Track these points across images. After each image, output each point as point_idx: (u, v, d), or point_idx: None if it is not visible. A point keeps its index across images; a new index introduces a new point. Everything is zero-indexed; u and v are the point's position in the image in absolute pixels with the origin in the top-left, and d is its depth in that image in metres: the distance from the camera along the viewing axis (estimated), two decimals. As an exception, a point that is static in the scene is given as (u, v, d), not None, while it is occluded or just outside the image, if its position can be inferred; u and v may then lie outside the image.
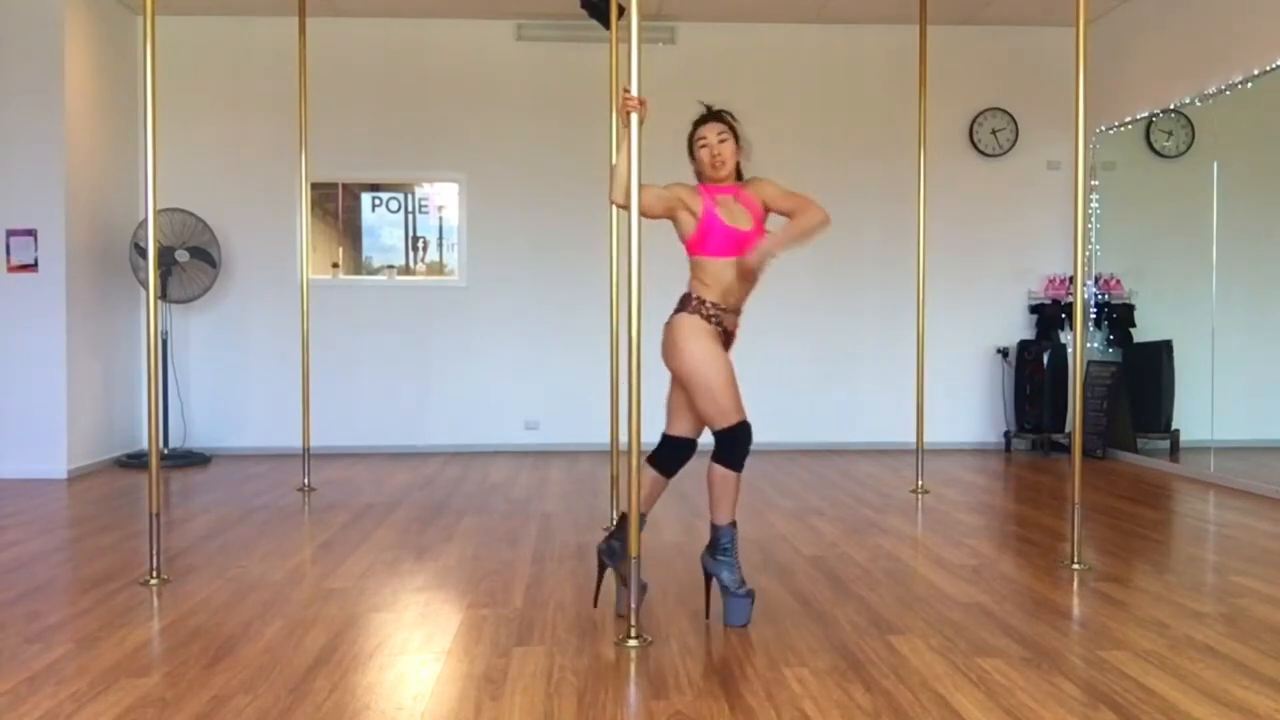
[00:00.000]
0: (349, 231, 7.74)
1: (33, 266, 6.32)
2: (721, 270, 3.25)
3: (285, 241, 7.27)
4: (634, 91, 3.12)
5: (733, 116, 3.38)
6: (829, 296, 7.63)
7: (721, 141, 3.30)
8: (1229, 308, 6.26)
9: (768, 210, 3.33)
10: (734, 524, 3.26)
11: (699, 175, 3.38)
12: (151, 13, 3.81)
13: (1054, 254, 7.67)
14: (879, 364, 7.57)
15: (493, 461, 7.02)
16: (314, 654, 2.97)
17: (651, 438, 3.35)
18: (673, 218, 3.31)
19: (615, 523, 3.34)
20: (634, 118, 3.12)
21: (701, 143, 3.32)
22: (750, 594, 3.24)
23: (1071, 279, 7.27)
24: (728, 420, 3.20)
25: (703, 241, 3.26)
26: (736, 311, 3.34)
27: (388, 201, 7.75)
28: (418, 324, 7.47)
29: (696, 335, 3.23)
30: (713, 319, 3.26)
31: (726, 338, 3.34)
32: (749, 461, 3.27)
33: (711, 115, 3.35)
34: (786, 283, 7.59)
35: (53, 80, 6.29)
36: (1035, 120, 7.62)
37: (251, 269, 7.38)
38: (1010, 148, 7.66)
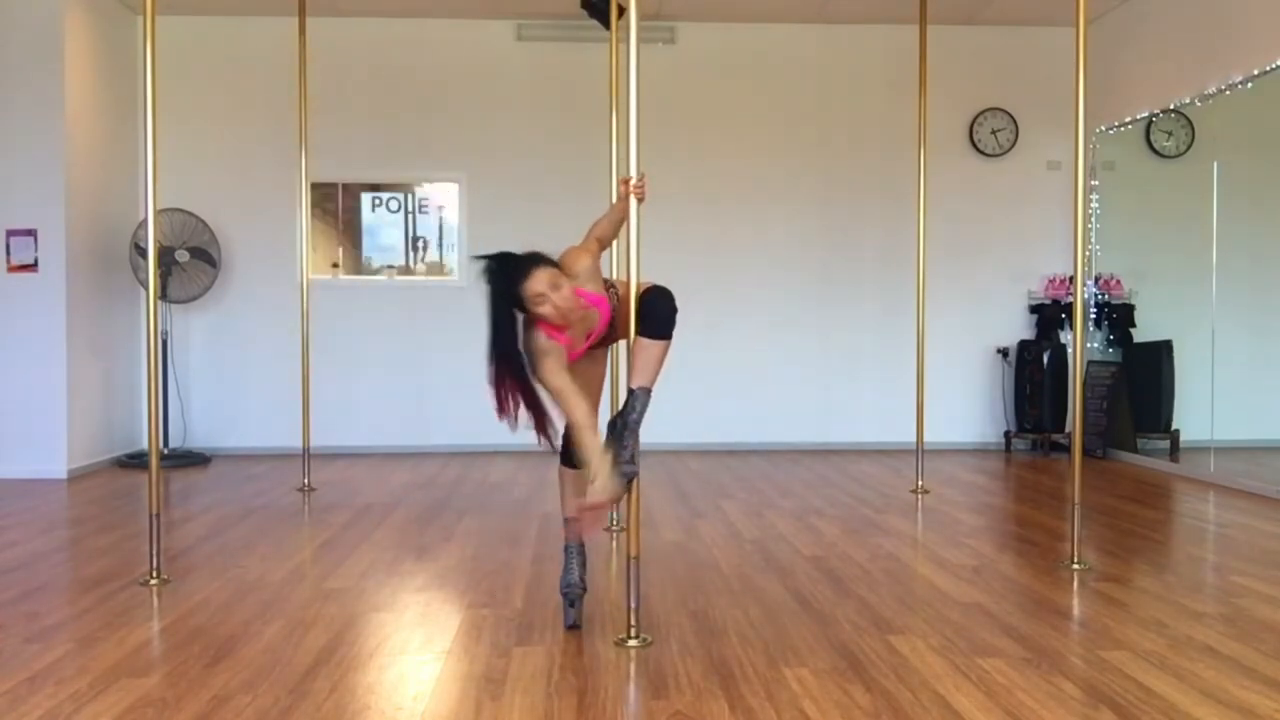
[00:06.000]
0: (349, 231, 7.74)
1: (33, 266, 6.32)
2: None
3: (285, 241, 7.27)
4: (633, 87, 3.11)
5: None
6: (829, 296, 7.63)
7: (555, 289, 2.93)
8: (1229, 308, 6.26)
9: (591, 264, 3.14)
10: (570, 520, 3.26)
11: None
12: (151, 13, 3.81)
13: (1054, 254, 7.67)
14: (879, 364, 7.57)
15: (493, 461, 7.02)
16: (314, 654, 2.96)
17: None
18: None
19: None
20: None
21: (538, 301, 2.94)
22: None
23: (1071, 279, 7.27)
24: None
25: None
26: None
27: (388, 201, 7.75)
28: (418, 324, 7.47)
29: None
30: None
31: (603, 343, 3.32)
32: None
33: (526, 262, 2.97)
34: (786, 283, 7.61)
35: (53, 80, 6.29)
36: (1035, 120, 7.62)
37: (251, 269, 7.38)
38: (1010, 148, 7.66)
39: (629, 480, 3.05)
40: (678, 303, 3.06)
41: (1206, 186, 6.36)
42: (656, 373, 3.07)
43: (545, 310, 2.95)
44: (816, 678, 2.76)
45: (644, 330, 3.03)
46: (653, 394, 3.07)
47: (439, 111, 7.46)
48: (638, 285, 3.08)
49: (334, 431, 7.22)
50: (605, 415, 3.47)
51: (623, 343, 3.26)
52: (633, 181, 3.13)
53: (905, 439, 6.61)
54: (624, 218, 3.18)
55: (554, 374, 2.98)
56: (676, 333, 3.11)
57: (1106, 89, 7.19)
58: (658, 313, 3.02)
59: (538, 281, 2.95)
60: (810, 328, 7.63)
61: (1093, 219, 7.31)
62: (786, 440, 7.51)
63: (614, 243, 4.63)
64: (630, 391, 3.06)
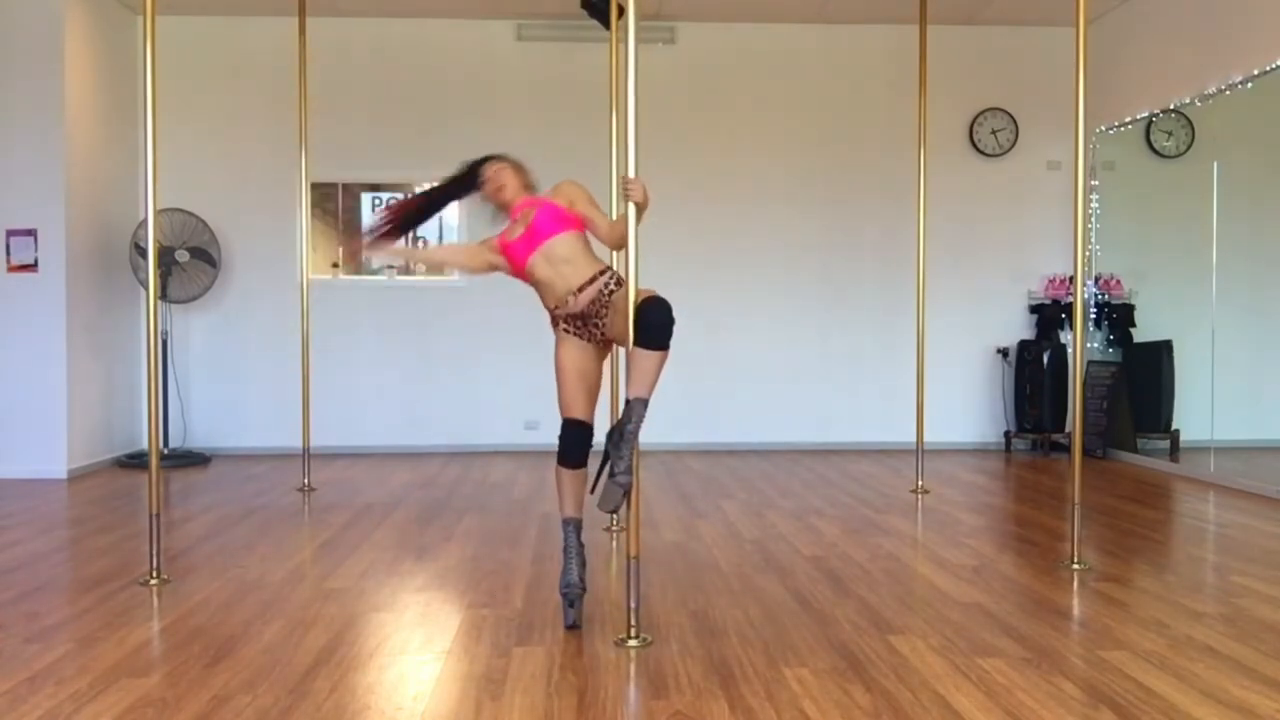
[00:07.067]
0: (349, 231, 7.74)
1: (33, 266, 6.32)
2: (537, 280, 3.38)
3: (285, 241, 7.27)
4: (633, 87, 3.10)
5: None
6: (829, 296, 7.63)
7: (498, 171, 3.56)
8: (1229, 308, 6.26)
9: (572, 208, 3.42)
10: (568, 521, 3.32)
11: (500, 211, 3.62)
12: (151, 13, 3.81)
13: (1054, 254, 7.67)
14: (879, 364, 7.57)
15: (493, 461, 7.02)
16: (314, 654, 2.97)
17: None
18: (496, 269, 3.58)
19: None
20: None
21: (480, 180, 3.61)
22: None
23: (1071, 279, 7.27)
24: (563, 413, 3.35)
25: (516, 271, 3.44)
26: (573, 295, 3.30)
27: (388, 201, 7.74)
28: (418, 324, 7.47)
29: (556, 343, 3.42)
30: (562, 325, 3.37)
31: (587, 325, 3.33)
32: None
33: (482, 160, 3.65)
34: (786, 283, 7.61)
35: (53, 80, 6.29)
36: (1035, 120, 7.62)
37: (251, 269, 7.38)
38: (1010, 148, 7.66)
39: (624, 491, 3.06)
40: (674, 313, 3.04)
41: (1206, 186, 6.36)
42: (653, 383, 3.05)
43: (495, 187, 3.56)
44: (816, 678, 2.76)
45: (639, 340, 3.03)
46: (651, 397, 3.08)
47: (439, 111, 7.46)
48: (637, 293, 3.06)
49: (334, 431, 7.22)
50: (600, 418, 3.48)
51: (620, 349, 3.26)
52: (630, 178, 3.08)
53: (905, 439, 6.60)
54: (624, 231, 3.12)
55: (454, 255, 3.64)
56: (677, 331, 3.09)
57: (1106, 89, 7.19)
58: (651, 323, 3.01)
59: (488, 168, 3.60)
60: (810, 328, 7.63)
61: (1093, 219, 7.30)
62: (786, 440, 7.50)
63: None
64: (627, 402, 3.06)
